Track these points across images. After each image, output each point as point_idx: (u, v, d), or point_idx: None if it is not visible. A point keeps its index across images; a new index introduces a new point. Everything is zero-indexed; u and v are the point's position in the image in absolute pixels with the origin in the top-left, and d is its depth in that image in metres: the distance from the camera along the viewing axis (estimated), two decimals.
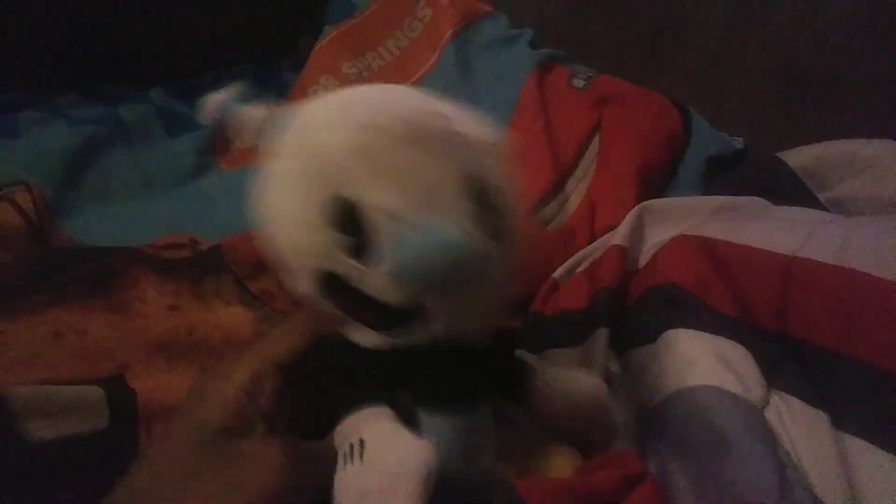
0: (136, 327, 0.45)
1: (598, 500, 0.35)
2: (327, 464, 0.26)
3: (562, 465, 0.37)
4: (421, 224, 0.25)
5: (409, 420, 0.28)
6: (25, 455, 0.37)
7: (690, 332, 0.45)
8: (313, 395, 0.30)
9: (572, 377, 0.37)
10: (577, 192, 0.68)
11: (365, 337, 0.29)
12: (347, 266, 0.26)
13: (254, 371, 0.28)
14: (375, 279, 0.26)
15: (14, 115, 0.76)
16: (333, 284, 0.27)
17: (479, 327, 0.31)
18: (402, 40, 0.92)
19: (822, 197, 0.56)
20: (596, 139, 0.71)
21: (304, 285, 0.28)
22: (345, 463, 0.25)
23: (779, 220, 0.49)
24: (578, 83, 0.76)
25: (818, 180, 0.56)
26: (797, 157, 0.58)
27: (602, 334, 0.48)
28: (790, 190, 0.56)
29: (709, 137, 0.70)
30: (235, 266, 0.55)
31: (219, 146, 0.82)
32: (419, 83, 0.85)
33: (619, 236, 0.56)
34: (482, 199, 0.28)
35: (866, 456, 0.34)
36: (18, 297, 0.47)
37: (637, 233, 0.58)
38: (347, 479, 0.25)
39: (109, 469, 0.38)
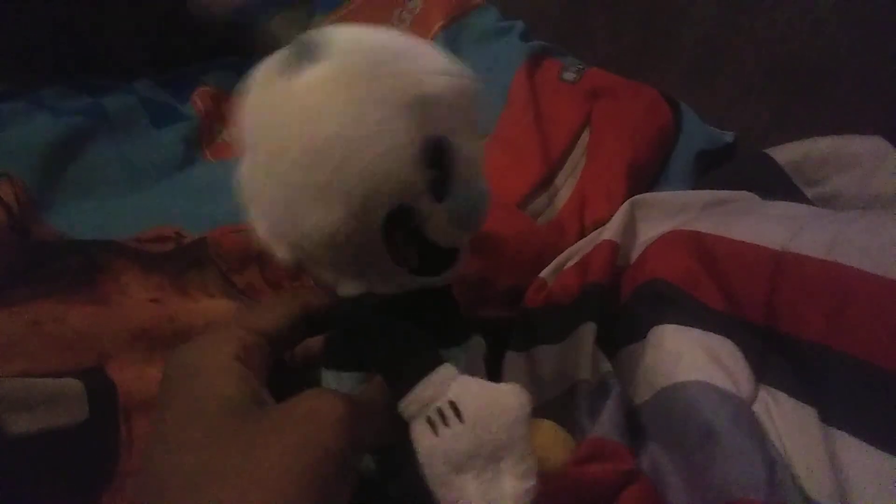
0: (117, 318, 0.45)
1: (591, 495, 0.35)
2: (378, 412, 0.27)
3: (549, 441, 0.37)
4: (480, 174, 0.31)
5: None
6: (4, 449, 0.37)
7: (679, 327, 0.45)
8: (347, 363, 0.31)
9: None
10: (566, 185, 0.68)
11: (391, 283, 0.30)
12: (424, 202, 0.28)
13: (244, 342, 0.27)
14: (440, 218, 0.28)
15: None
16: (402, 221, 0.28)
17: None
18: None
19: (809, 193, 0.56)
20: (586, 133, 0.71)
21: (369, 219, 0.28)
22: (435, 429, 0.26)
23: (769, 215, 0.49)
24: (569, 76, 0.76)
25: (806, 176, 0.56)
26: (785, 154, 0.58)
27: (589, 329, 0.47)
28: (778, 186, 0.56)
29: (699, 131, 0.70)
30: (220, 259, 0.54)
31: (204, 137, 0.81)
32: None
33: (610, 231, 0.56)
34: None
35: (854, 451, 0.34)
36: None
37: (629, 228, 0.57)
38: (447, 443, 0.25)
39: (90, 462, 0.38)
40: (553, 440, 0.37)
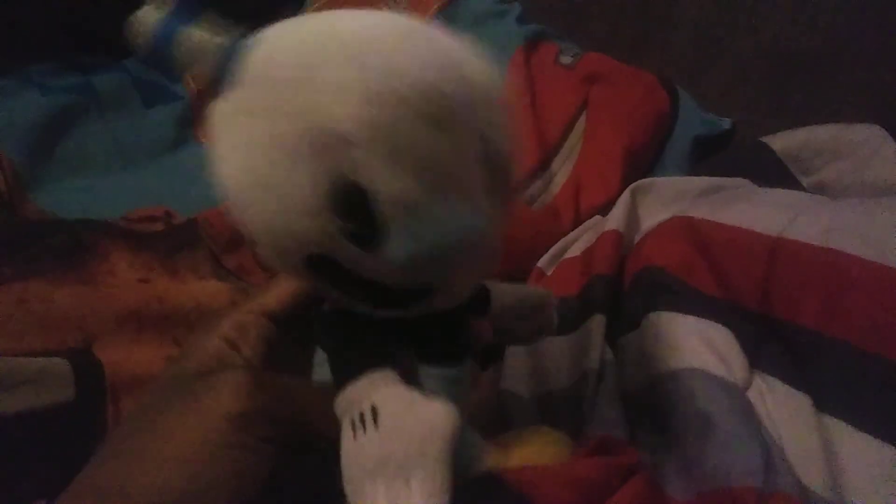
0: (105, 298, 0.44)
1: (588, 489, 0.35)
2: (301, 395, 0.27)
3: (544, 446, 0.37)
4: (438, 214, 0.22)
5: (409, 379, 0.27)
6: None
7: (674, 315, 0.45)
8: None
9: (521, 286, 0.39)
10: (562, 170, 0.68)
11: (362, 308, 0.27)
12: (348, 252, 0.23)
13: (237, 321, 0.28)
14: (379, 265, 0.23)
15: None
16: (326, 266, 0.24)
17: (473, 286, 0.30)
18: None
19: (805, 181, 0.55)
20: (583, 117, 0.70)
21: (290, 266, 0.25)
22: (354, 431, 0.24)
23: (765, 202, 0.49)
24: (566, 60, 0.75)
25: (802, 165, 0.56)
26: (781, 142, 0.58)
27: (597, 321, 0.47)
28: (774, 174, 0.56)
29: (696, 117, 0.70)
30: (210, 240, 0.54)
31: (197, 118, 0.80)
32: None
33: (613, 221, 0.55)
34: (491, 162, 0.25)
35: (848, 439, 0.34)
36: None
37: (632, 216, 0.57)
38: (362, 448, 0.24)
39: (76, 442, 0.38)
40: (549, 448, 0.37)
